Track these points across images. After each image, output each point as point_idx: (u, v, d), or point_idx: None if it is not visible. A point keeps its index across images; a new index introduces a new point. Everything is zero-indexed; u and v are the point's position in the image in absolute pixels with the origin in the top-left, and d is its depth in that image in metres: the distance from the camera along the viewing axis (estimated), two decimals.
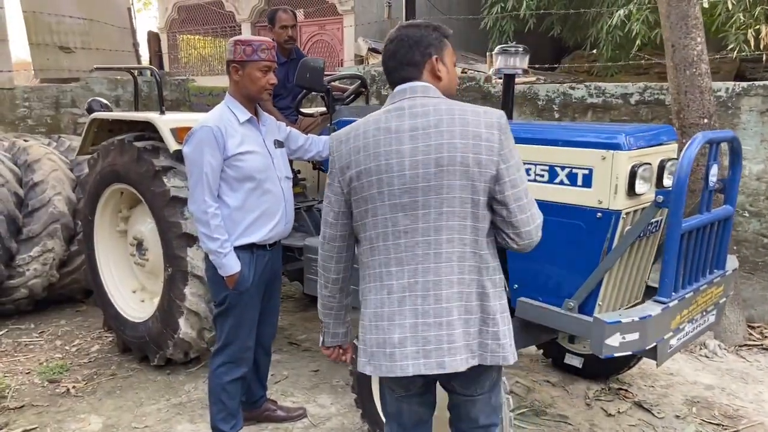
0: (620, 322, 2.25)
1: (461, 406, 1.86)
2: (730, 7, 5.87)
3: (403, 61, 1.75)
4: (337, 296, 1.90)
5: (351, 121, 3.40)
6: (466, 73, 7.02)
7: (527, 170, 2.64)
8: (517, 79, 3.95)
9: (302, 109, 3.86)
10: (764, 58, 5.65)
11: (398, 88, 1.77)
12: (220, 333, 2.62)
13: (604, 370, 3.47)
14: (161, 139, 3.34)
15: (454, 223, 1.67)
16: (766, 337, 4.06)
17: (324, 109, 3.71)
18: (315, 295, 3.46)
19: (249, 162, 2.47)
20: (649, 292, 2.82)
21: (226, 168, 2.45)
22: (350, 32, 10.71)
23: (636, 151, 2.46)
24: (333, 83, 3.71)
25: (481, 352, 1.69)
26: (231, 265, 2.46)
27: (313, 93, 3.51)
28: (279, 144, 2.70)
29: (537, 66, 8.43)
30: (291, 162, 3.59)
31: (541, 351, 3.73)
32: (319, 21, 11.46)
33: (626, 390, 3.39)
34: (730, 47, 5.81)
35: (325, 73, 4.30)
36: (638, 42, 6.99)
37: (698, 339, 3.81)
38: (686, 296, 2.48)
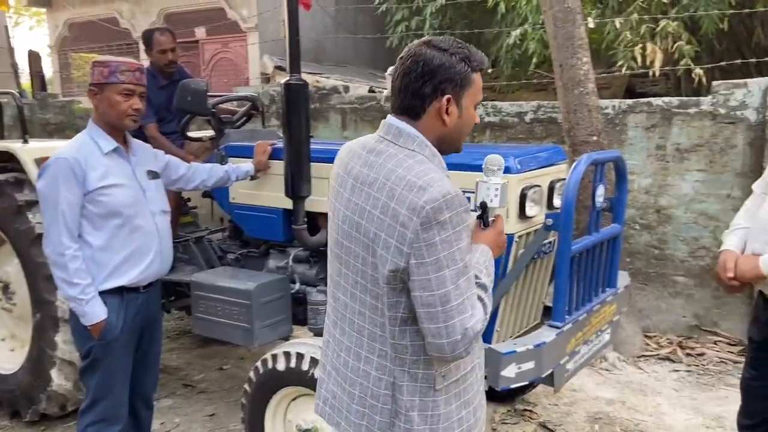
0: (515, 351, 2.19)
1: None
2: (618, 26, 6.15)
3: (410, 88, 1.42)
4: None
5: (241, 147, 3.31)
6: (373, 92, 7.00)
7: None
8: None
9: (189, 133, 3.63)
10: (651, 74, 5.92)
11: (388, 118, 1.48)
12: (88, 389, 2.34)
13: (510, 392, 3.44)
14: (25, 171, 3.03)
15: (366, 298, 1.44)
16: (662, 346, 4.19)
17: (213, 132, 3.51)
18: (204, 335, 3.29)
19: (114, 196, 2.24)
20: (548, 312, 2.81)
21: (87, 204, 2.20)
22: (255, 50, 10.47)
23: (525, 173, 2.43)
24: (221, 105, 3.52)
25: None
26: (95, 313, 2.21)
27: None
28: (153, 175, 2.47)
29: None
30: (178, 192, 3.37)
31: None
32: (222, 38, 11.15)
33: (531, 411, 3.37)
34: (619, 64, 6.07)
35: (216, 94, 4.10)
36: (535, 60, 7.21)
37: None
38: (580, 318, 2.46)
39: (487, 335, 2.47)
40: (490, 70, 9.64)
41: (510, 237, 2.39)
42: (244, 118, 3.67)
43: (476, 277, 1.43)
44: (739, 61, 5.41)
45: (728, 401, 3.44)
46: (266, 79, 9.73)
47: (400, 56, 1.45)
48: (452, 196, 1.32)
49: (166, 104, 3.53)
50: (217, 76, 11.09)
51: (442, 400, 1.46)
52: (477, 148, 3.44)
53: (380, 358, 1.45)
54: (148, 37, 3.61)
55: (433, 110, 1.43)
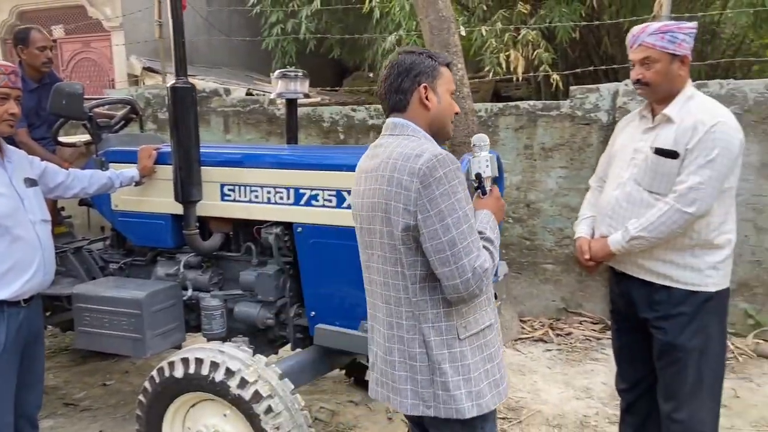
0: None
1: None
2: (484, 33, 6.54)
3: (392, 88, 1.72)
4: None
5: (122, 152, 3.18)
6: (252, 94, 6.90)
7: (315, 196, 2.63)
8: (302, 101, 3.93)
9: (61, 138, 3.43)
10: (514, 79, 6.37)
11: (386, 121, 1.76)
12: None
13: None
14: None
15: (388, 268, 1.68)
16: (536, 329, 4.55)
17: (89, 137, 3.34)
18: (89, 349, 3.11)
19: None
20: None
21: None
22: (121, 50, 9.91)
23: None
24: (97, 109, 3.36)
25: (435, 403, 1.64)
26: None
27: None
28: (31, 182, 2.34)
29: (321, 88, 8.62)
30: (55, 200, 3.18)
31: (344, 371, 3.74)
32: (83, 38, 10.44)
33: None
34: (486, 69, 6.46)
35: (88, 97, 3.90)
36: None
37: None
38: None
39: None
40: (370, 74, 9.88)
41: None
42: (122, 122, 3.53)
43: (481, 233, 1.67)
44: (591, 68, 5.97)
45: (594, 374, 3.83)
46: (134, 80, 9.27)
47: (383, 68, 1.75)
48: (443, 155, 1.58)
49: (36, 109, 3.32)
50: (78, 78, 10.38)
51: (468, 351, 1.65)
52: (363, 150, 3.56)
53: (408, 320, 1.66)
54: (24, 34, 3.40)
55: (415, 100, 1.71)
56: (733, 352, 3.93)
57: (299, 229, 2.69)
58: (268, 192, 2.74)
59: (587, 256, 2.35)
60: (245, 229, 2.92)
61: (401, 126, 1.71)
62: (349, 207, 2.56)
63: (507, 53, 6.35)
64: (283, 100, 3.57)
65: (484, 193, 1.86)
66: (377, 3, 7.44)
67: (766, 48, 8.62)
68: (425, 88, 1.70)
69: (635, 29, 2.22)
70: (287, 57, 8.85)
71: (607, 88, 4.37)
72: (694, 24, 2.19)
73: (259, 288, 2.79)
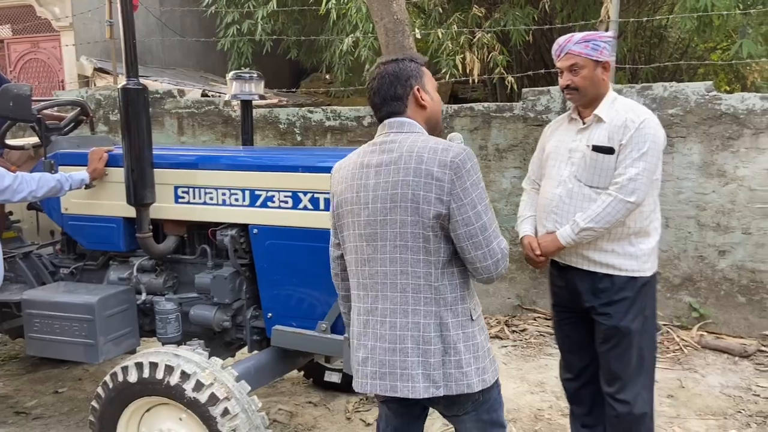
0: None
1: (452, 423, 1.95)
2: (440, 36, 6.62)
3: (387, 96, 1.82)
4: (350, 313, 1.95)
5: (73, 154, 3.12)
6: (207, 95, 6.82)
7: (271, 197, 2.64)
8: (259, 102, 3.91)
9: (8, 141, 3.34)
10: (471, 81, 6.46)
11: (385, 122, 1.85)
12: None
13: None
14: None
15: (407, 257, 1.74)
16: (492, 326, 4.63)
17: (37, 139, 3.26)
18: (40, 356, 3.03)
19: None
20: None
21: None
22: (71, 51, 9.66)
23: None
24: (46, 111, 3.28)
25: (446, 382, 1.74)
26: None
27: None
28: None
29: (278, 89, 8.57)
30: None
31: (302, 372, 3.74)
32: (31, 38, 10.14)
33: None
34: (443, 71, 6.55)
35: (37, 99, 3.81)
36: (367, 66, 7.50)
37: None
38: None
39: (340, 327, 2.58)
40: (327, 75, 9.86)
41: None
42: (72, 124, 3.46)
43: None
44: (543, 70, 6.11)
45: (548, 368, 3.93)
46: (85, 81, 9.05)
47: (368, 80, 1.87)
48: (468, 150, 1.75)
49: None
50: (27, 79, 10.07)
51: (477, 330, 1.80)
52: (319, 151, 3.58)
53: (426, 305, 1.74)
54: None
55: (411, 102, 1.84)
56: (679, 345, 4.09)
57: (255, 231, 2.68)
58: (223, 194, 2.73)
59: (539, 252, 2.46)
60: (200, 232, 2.90)
61: (409, 124, 1.83)
62: (305, 208, 2.59)
63: (463, 56, 6.45)
64: (238, 102, 3.55)
65: None
66: (334, 5, 7.45)
67: (710, 52, 8.99)
68: (418, 89, 1.83)
69: (561, 39, 2.39)
70: (243, 58, 8.77)
71: (557, 90, 4.48)
72: (612, 33, 2.41)
73: (215, 290, 2.77)
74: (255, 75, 3.34)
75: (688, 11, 5.51)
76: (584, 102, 2.41)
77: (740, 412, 3.29)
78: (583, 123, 2.42)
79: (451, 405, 1.83)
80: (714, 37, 8.07)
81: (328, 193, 2.54)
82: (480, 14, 6.86)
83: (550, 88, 4.52)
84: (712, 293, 4.22)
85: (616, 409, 2.42)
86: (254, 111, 5.23)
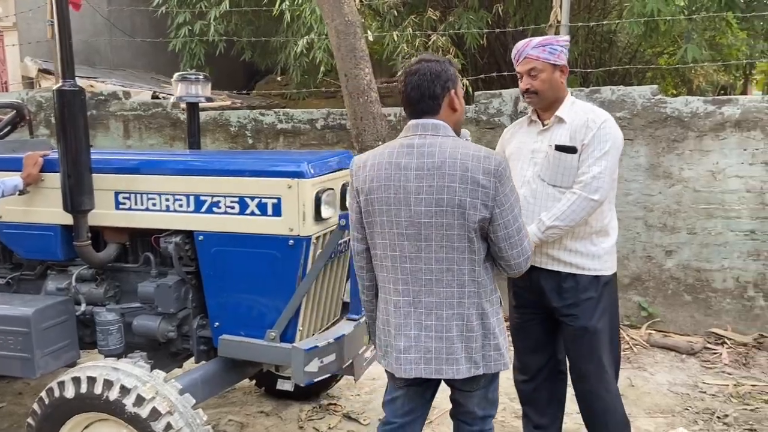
0: (317, 347, 2.30)
1: (460, 398, 2.11)
2: (395, 38, 6.62)
3: (426, 94, 1.90)
4: (374, 301, 2.10)
5: (6, 159, 2.96)
6: (158, 97, 6.63)
7: (217, 203, 2.57)
8: (211, 104, 3.81)
9: None
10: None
11: (412, 122, 1.93)
12: None
13: (314, 389, 3.55)
14: None
15: (453, 256, 1.89)
16: None
17: None
18: (7, 375, 2.85)
19: None
20: (348, 308, 2.97)
21: None
22: (15, 51, 9.29)
23: (319, 178, 2.55)
24: None
25: (485, 363, 1.95)
26: None
27: None
28: None
29: (231, 91, 8.41)
30: None
31: (254, 382, 3.65)
32: None
33: (335, 404, 3.52)
34: (399, 74, 6.53)
35: None
36: (323, 68, 7.43)
37: None
38: None
39: (289, 334, 2.54)
40: (279, 78, 9.74)
41: (307, 239, 2.49)
42: (9, 128, 3.30)
43: None
44: (496, 74, 6.16)
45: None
46: (29, 83, 8.71)
47: (404, 76, 1.94)
48: (505, 158, 1.94)
49: None
50: None
51: (502, 317, 2.03)
52: (267, 155, 3.51)
53: (470, 298, 1.92)
54: None
55: (446, 104, 1.93)
56: (629, 343, 4.16)
57: (200, 238, 2.60)
58: (167, 199, 2.64)
59: None
60: (143, 239, 2.79)
61: (443, 128, 1.93)
62: (252, 214, 2.52)
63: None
64: (185, 104, 3.45)
65: None
66: (287, 6, 7.36)
67: (657, 56, 9.24)
68: (455, 92, 1.95)
69: (519, 44, 2.43)
70: (196, 59, 8.58)
71: (509, 93, 4.52)
72: (567, 37, 2.44)
73: (159, 300, 2.67)
74: (201, 76, 3.25)
75: (636, 16, 5.63)
76: (544, 105, 2.44)
77: (687, 409, 3.36)
78: (544, 125, 2.46)
79: (468, 381, 1.99)
80: (661, 42, 8.31)
81: (274, 197, 2.52)
82: (435, 17, 6.88)
83: (502, 91, 4.56)
84: (660, 292, 4.32)
85: (593, 408, 2.49)
86: (205, 113, 5.13)
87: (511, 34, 7.85)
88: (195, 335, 2.77)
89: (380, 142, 4.06)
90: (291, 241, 2.48)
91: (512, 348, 2.71)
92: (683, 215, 4.19)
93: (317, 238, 2.56)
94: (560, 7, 4.40)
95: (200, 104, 3.38)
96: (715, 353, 3.99)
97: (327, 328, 2.84)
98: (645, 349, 4.11)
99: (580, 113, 2.38)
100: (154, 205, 2.66)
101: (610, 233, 2.45)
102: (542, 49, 2.35)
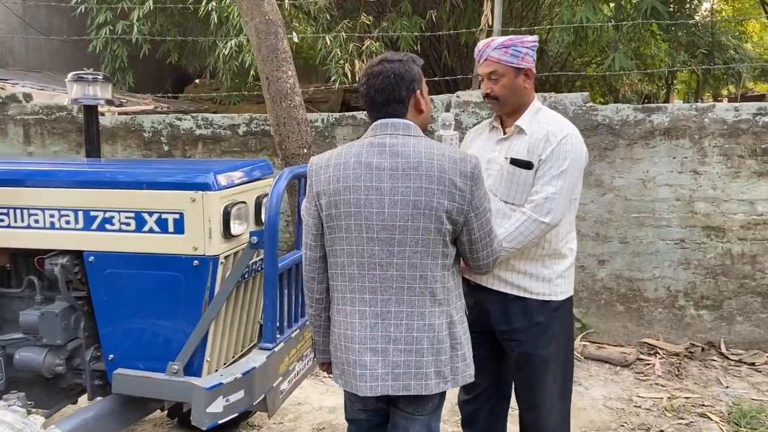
0: (222, 384, 2.04)
1: (400, 423, 1.90)
2: (328, 42, 6.41)
3: (390, 97, 1.79)
4: (323, 315, 1.93)
5: None
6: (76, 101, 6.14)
7: (110, 219, 2.28)
8: (126, 108, 3.49)
9: None
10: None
11: (380, 121, 1.82)
12: None
13: (232, 419, 3.26)
14: None
15: (427, 261, 1.78)
16: None
17: None
18: None
19: None
20: None
21: None
22: None
23: (228, 190, 2.30)
24: None
25: (453, 376, 1.82)
26: None
27: None
28: None
29: (158, 95, 7.97)
30: None
31: (166, 412, 3.32)
32: None
33: None
34: (333, 79, 6.32)
35: None
36: (252, 72, 7.14)
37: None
38: (293, 335, 2.41)
39: (195, 368, 2.27)
40: (209, 81, 9.34)
41: (214, 259, 2.23)
42: None
43: None
44: (434, 79, 6.04)
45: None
46: None
47: (366, 78, 1.82)
48: (477, 158, 1.82)
49: None
50: None
51: (467, 325, 1.91)
52: (172, 164, 3.22)
53: (440, 306, 1.80)
54: None
55: (411, 106, 1.83)
56: None
57: (91, 259, 2.30)
58: (52, 215, 2.31)
59: None
60: (25, 260, 2.45)
61: (414, 128, 1.82)
62: (151, 231, 2.24)
63: (352, 63, 6.27)
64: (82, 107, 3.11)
65: None
66: (214, 7, 7.04)
67: (586, 65, 9.40)
68: (420, 93, 1.84)
69: (480, 44, 2.23)
70: (118, 61, 8.12)
71: (440, 99, 4.37)
72: (535, 38, 2.21)
73: (44, 330, 2.34)
74: (100, 76, 2.93)
75: (565, 25, 5.65)
76: (507, 111, 2.23)
77: (623, 425, 3.27)
78: (504, 133, 2.26)
79: (422, 401, 1.85)
80: (589, 52, 8.45)
81: (176, 212, 2.24)
82: (368, 22, 6.75)
83: (434, 97, 4.40)
84: (593, 303, 4.25)
85: None
86: (117, 118, 4.74)
87: (445, 40, 7.81)
88: (88, 369, 2.45)
89: (305, 150, 3.82)
90: (195, 262, 2.23)
91: None
92: (615, 224, 4.14)
93: (226, 257, 2.31)
94: (492, 11, 4.28)
95: (100, 107, 3.04)
96: (648, 364, 3.93)
97: (243, 355, 2.58)
98: (579, 362, 4.02)
99: (543, 124, 2.17)
100: (37, 221, 2.33)
101: (566, 256, 2.25)
102: (504, 51, 2.14)
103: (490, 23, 4.44)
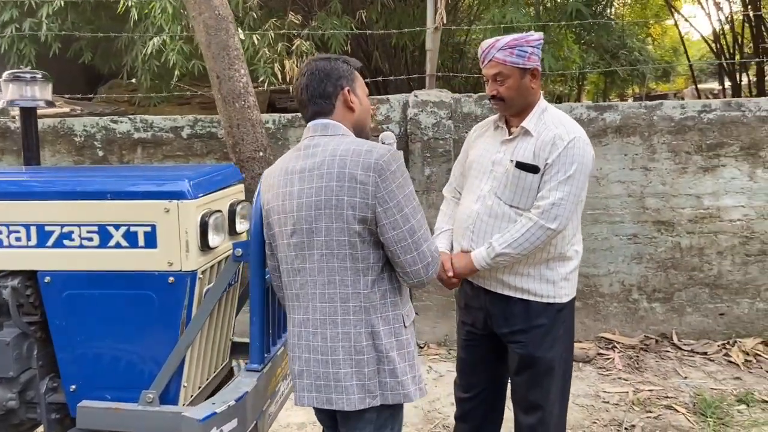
0: (215, 414, 1.84)
1: None
2: (256, 42, 6.19)
3: (315, 94, 1.78)
4: None
5: None
6: None
7: (69, 234, 2.02)
8: (47, 110, 3.17)
9: None
10: (290, 89, 6.08)
11: (309, 124, 1.82)
12: None
13: None
14: None
15: (334, 265, 1.70)
16: None
17: None
18: None
19: None
20: (238, 349, 2.53)
21: None
22: None
23: (203, 197, 2.11)
24: None
25: (381, 392, 1.70)
26: None
27: None
28: None
29: (72, 96, 7.42)
30: None
31: None
32: None
33: None
34: (261, 79, 6.12)
35: None
36: (177, 72, 6.79)
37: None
38: (278, 354, 2.23)
39: (172, 395, 2.06)
40: (126, 82, 8.84)
41: (192, 274, 2.03)
42: None
43: None
44: (367, 80, 5.94)
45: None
46: None
47: (297, 76, 1.82)
48: (393, 151, 1.70)
49: None
50: None
51: (410, 337, 1.78)
52: (128, 171, 2.95)
53: (356, 314, 1.69)
54: None
55: (340, 103, 1.79)
56: None
57: (47, 279, 2.04)
58: None
59: (451, 273, 2.26)
60: None
61: (333, 126, 1.77)
62: (118, 246, 2.01)
63: (281, 63, 6.09)
64: (15, 110, 2.79)
65: None
66: (135, 3, 6.63)
67: None
68: (348, 91, 1.79)
69: (485, 44, 2.19)
70: (25, 61, 7.50)
71: (397, 99, 4.28)
72: (540, 35, 2.18)
73: None
74: (39, 75, 2.63)
75: (494, 25, 5.77)
76: (512, 112, 2.21)
77: (595, 422, 3.29)
78: (510, 134, 2.23)
79: (353, 420, 1.74)
80: None
81: (146, 225, 2.02)
82: (297, 21, 6.59)
83: (390, 96, 4.30)
84: None
85: None
86: (41, 121, 4.33)
87: (375, 42, 7.76)
88: (44, 402, 2.17)
89: (261, 152, 3.61)
90: (171, 278, 2.02)
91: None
92: None
93: (204, 272, 2.11)
94: (445, 9, 4.24)
95: (38, 110, 2.73)
96: (608, 359, 4.00)
97: (215, 377, 2.38)
98: None
99: (550, 126, 2.13)
100: None
101: (572, 258, 2.23)
102: (510, 52, 2.11)
103: (444, 21, 4.39)
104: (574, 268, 2.25)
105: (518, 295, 2.21)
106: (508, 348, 2.29)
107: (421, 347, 4.19)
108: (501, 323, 2.25)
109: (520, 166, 2.13)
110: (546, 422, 2.27)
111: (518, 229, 2.10)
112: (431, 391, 3.55)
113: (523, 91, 2.15)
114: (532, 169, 2.12)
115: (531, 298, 2.20)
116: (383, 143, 1.93)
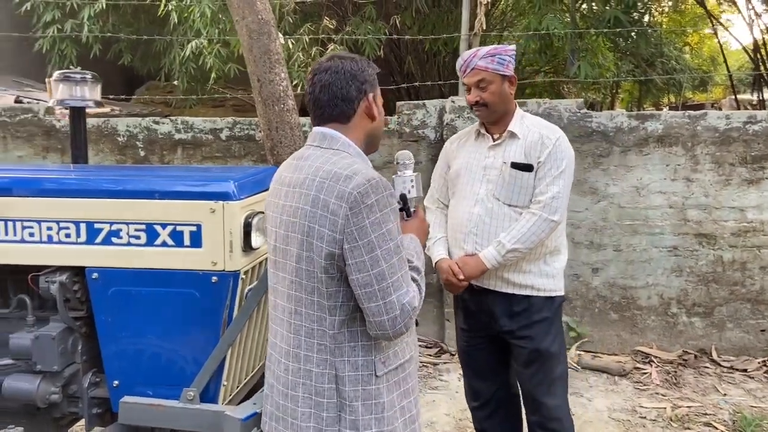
0: (257, 413, 1.85)
1: None
2: (291, 46, 6.26)
3: (338, 95, 1.57)
4: None
5: None
6: (21, 102, 5.76)
7: (117, 232, 2.06)
8: (90, 110, 3.25)
9: None
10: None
11: (313, 130, 1.62)
12: None
13: None
14: None
15: (301, 295, 1.52)
16: None
17: None
18: None
19: None
20: None
21: None
22: None
23: (247, 199, 2.12)
24: None
25: None
26: None
27: None
28: None
29: (111, 96, 7.58)
30: None
31: None
32: None
33: None
34: (294, 83, 6.18)
35: None
36: (214, 75, 6.89)
37: None
38: None
39: (212, 394, 2.08)
40: (163, 84, 9.00)
41: (235, 274, 2.05)
42: None
43: (408, 261, 1.53)
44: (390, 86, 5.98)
45: (435, 405, 3.63)
46: None
47: (312, 74, 1.60)
48: (376, 180, 1.45)
49: None
50: None
51: (384, 388, 1.52)
52: (176, 170, 3.00)
53: (320, 353, 1.50)
54: None
55: (361, 110, 1.59)
56: None
57: (94, 276, 2.07)
58: (49, 228, 2.08)
59: (462, 276, 2.32)
60: (16, 278, 2.20)
61: (330, 138, 1.57)
62: (164, 245, 2.05)
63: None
64: (63, 110, 2.85)
65: (408, 215, 1.76)
66: (174, 7, 6.75)
67: (536, 73, 9.55)
68: (373, 97, 1.62)
69: (465, 55, 2.33)
70: (66, 62, 7.69)
71: (434, 104, 4.27)
72: (513, 46, 2.35)
73: (38, 355, 2.09)
74: (89, 76, 2.69)
75: (530, 31, 5.76)
76: (494, 118, 2.35)
77: None
78: (494, 139, 2.36)
79: None
80: (538, 61, 8.61)
81: (192, 224, 2.05)
82: (331, 26, 6.66)
83: (427, 102, 4.30)
84: (587, 311, 4.22)
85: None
86: (88, 121, 4.43)
87: (407, 48, 7.77)
88: (86, 396, 2.21)
89: None
90: (214, 278, 2.03)
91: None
92: (609, 232, 4.13)
93: (246, 272, 2.12)
94: (486, 16, 4.22)
95: (87, 110, 2.79)
96: (644, 373, 3.92)
97: (252, 377, 2.40)
98: (576, 373, 3.98)
99: (534, 128, 2.31)
100: (31, 235, 2.10)
101: (562, 252, 2.40)
102: (491, 60, 2.26)
103: (484, 27, 4.39)
104: (565, 261, 2.40)
105: (522, 292, 2.31)
106: (513, 347, 2.36)
107: (452, 355, 4.16)
108: (506, 321, 2.33)
109: (515, 166, 2.26)
110: (555, 414, 2.35)
111: (524, 225, 2.22)
112: (462, 399, 3.52)
113: (504, 97, 2.29)
114: (527, 167, 2.25)
115: (533, 293, 2.31)
116: (397, 163, 1.84)
